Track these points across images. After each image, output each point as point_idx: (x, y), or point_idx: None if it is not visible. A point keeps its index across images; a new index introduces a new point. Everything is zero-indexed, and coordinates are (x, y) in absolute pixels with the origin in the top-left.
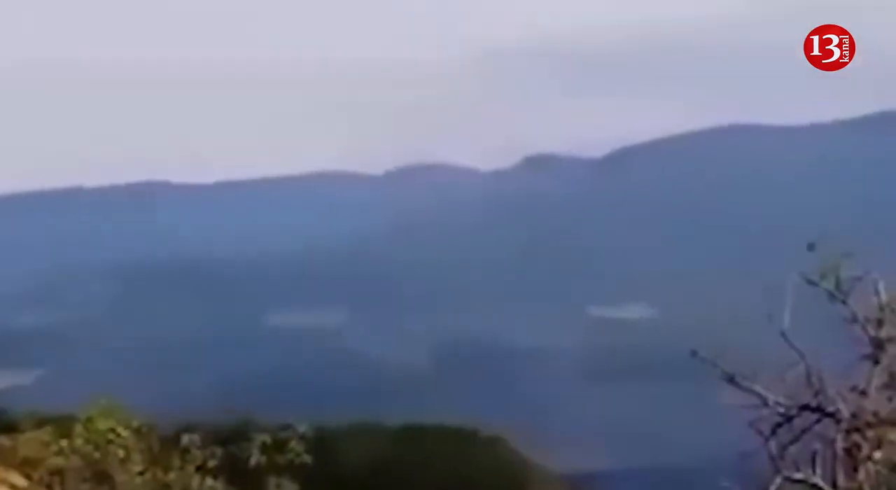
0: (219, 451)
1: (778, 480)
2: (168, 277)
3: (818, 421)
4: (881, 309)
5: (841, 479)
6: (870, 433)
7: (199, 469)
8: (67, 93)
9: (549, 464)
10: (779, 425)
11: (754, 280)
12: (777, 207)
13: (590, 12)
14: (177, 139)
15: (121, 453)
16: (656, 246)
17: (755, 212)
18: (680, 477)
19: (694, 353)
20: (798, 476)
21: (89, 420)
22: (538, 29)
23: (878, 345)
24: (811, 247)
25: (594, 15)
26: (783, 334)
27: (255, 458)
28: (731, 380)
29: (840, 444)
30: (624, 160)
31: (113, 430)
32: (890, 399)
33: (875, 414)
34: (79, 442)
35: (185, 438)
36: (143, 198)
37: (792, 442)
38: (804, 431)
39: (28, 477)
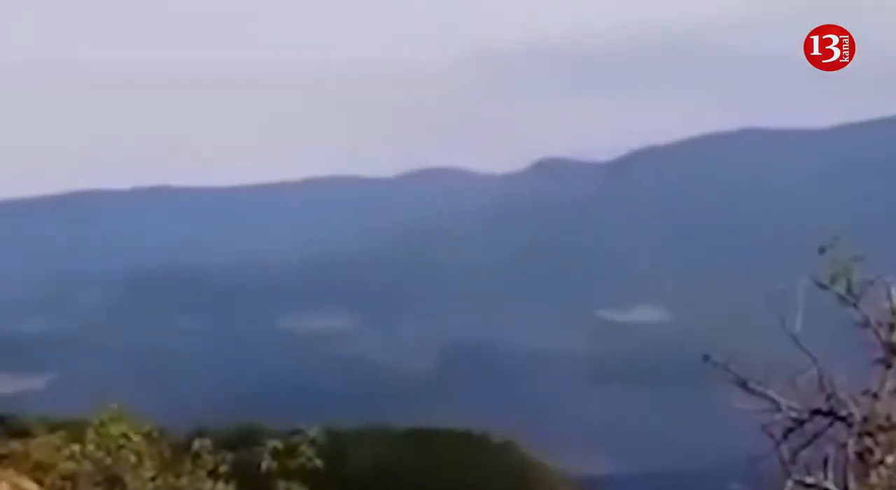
0: (230, 456)
1: (790, 484)
2: (175, 282)
3: (830, 425)
4: (893, 313)
5: (853, 484)
6: (882, 437)
7: (210, 474)
8: (67, 94)
9: (559, 468)
10: (791, 430)
11: (764, 283)
12: (786, 211)
13: (590, 13)
14: (179, 142)
15: (132, 458)
16: (664, 249)
17: (764, 215)
18: (688, 481)
19: (706, 358)
20: (810, 480)
21: (101, 425)
22: (539, 29)
23: (891, 349)
24: (822, 250)
25: (594, 15)
26: (794, 338)
27: (267, 463)
28: (743, 384)
29: (852, 449)
30: (631, 164)
31: (125, 435)
32: None
33: (887, 418)
34: (90, 447)
35: (197, 443)
36: (149, 202)
37: (804, 446)
38: (816, 436)
39: (40, 482)
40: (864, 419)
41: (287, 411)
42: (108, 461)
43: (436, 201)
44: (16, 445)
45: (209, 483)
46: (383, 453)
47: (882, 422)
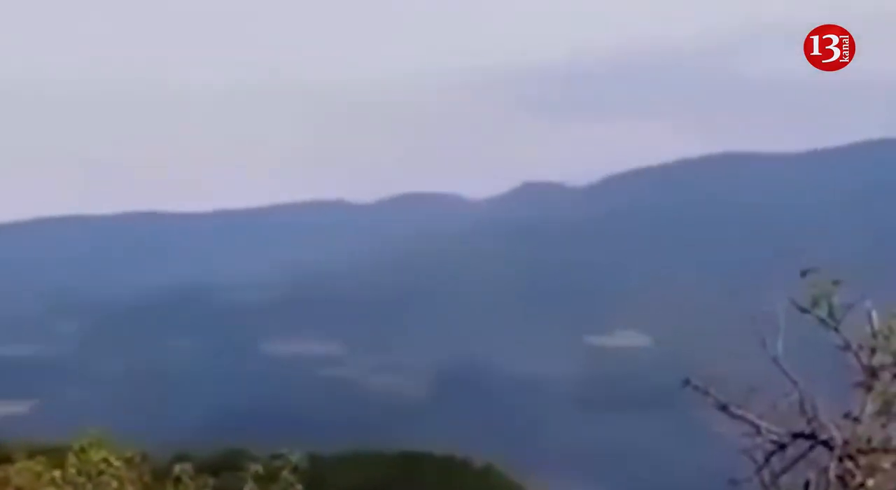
0: (211, 480)
1: None
2: (161, 307)
3: (811, 448)
4: (874, 336)
5: None
6: (863, 460)
7: None
8: (54, 114)
9: None
10: (772, 453)
11: (746, 307)
12: (770, 235)
13: (573, 38)
14: (165, 166)
15: (113, 483)
16: (648, 273)
17: (746, 238)
18: None
19: (686, 382)
20: None
21: (82, 450)
22: (522, 54)
23: (872, 372)
24: (804, 274)
25: (577, 41)
26: (776, 361)
27: (248, 488)
28: (723, 408)
29: (833, 472)
30: (615, 187)
31: (105, 460)
32: (883, 426)
33: (868, 441)
34: (71, 472)
35: (178, 468)
36: (136, 227)
37: (785, 470)
38: (797, 459)
39: None
40: (846, 442)
41: (272, 436)
42: (89, 487)
43: (420, 225)
44: None
45: None
46: (364, 478)
47: (863, 445)
